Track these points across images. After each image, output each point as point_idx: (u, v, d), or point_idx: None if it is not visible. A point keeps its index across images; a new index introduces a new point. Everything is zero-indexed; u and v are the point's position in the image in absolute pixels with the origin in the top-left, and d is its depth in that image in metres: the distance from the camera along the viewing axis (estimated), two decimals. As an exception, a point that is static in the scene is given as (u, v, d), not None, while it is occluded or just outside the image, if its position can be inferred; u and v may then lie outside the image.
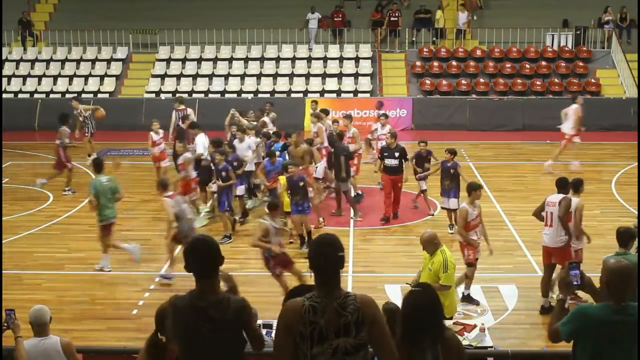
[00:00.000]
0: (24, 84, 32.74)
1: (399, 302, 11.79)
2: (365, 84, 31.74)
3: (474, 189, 13.34)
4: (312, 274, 5.10)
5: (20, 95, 32.13)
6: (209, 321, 5.32)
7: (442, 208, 17.66)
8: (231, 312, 5.37)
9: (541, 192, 19.75)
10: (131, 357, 8.20)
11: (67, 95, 31.74)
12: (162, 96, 31.24)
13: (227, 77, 32.48)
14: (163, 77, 32.61)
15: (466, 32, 33.42)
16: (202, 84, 32.09)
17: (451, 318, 10.98)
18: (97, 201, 14.82)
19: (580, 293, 9.50)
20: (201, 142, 18.65)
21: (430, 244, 10.74)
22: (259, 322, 9.75)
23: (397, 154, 17.80)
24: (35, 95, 31.83)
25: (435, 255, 10.66)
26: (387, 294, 13.44)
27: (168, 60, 33.37)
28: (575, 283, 6.23)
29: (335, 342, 4.95)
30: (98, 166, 15.42)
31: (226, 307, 5.37)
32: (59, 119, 21.06)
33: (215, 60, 33.28)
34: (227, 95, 31.21)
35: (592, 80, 31.07)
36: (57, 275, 15.16)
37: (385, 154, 17.93)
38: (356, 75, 32.21)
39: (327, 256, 5.06)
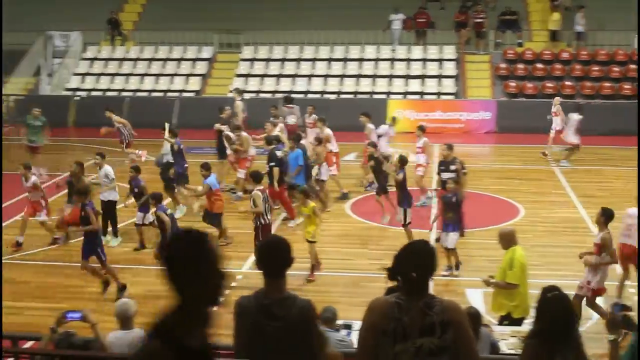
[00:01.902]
0: (112, 82, 33.53)
1: (479, 306, 11.75)
2: (448, 85, 31.51)
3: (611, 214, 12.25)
4: (401, 279, 5.03)
5: (108, 93, 32.93)
6: (273, 319, 5.28)
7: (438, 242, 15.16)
8: (296, 309, 5.32)
9: (629, 199, 19.37)
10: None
11: (153, 94, 32.43)
12: (246, 95, 31.52)
13: (310, 77, 32.64)
14: (247, 76, 32.96)
15: (583, 34, 32.66)
16: (285, 84, 32.31)
17: (523, 319, 10.84)
18: None
19: None
20: None
21: (503, 240, 10.86)
22: (339, 322, 9.75)
23: (452, 167, 16.67)
24: (123, 94, 32.55)
25: (507, 253, 10.68)
26: (468, 298, 13.32)
27: (252, 60, 33.71)
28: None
29: (419, 342, 4.88)
30: None
31: (291, 305, 5.33)
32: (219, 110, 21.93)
33: (298, 60, 33.50)
34: (309, 96, 31.33)
35: (683, 84, 30.23)
36: (141, 270, 15.45)
37: (442, 167, 16.83)
38: (439, 77, 32.01)
39: (422, 266, 5.01)
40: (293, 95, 30.72)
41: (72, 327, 7.74)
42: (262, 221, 14.28)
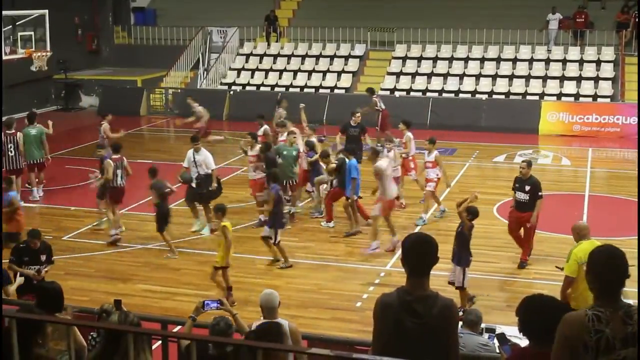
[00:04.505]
0: (266, 77, 34.29)
1: None
2: (606, 88, 30.47)
3: None
4: (596, 287, 4.89)
5: (261, 89, 33.70)
6: (414, 315, 5.25)
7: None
8: (438, 308, 5.26)
9: None
10: (353, 349, 8.36)
11: (306, 90, 32.90)
12: (397, 94, 31.59)
13: (462, 76, 32.30)
14: (398, 74, 32.96)
15: None
16: (436, 83, 32.10)
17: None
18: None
19: None
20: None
21: (574, 233, 11.00)
22: (482, 325, 9.62)
23: (527, 187, 14.86)
24: (276, 89, 33.17)
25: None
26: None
27: (404, 59, 33.68)
28: None
29: (623, 353, 4.71)
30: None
31: (433, 303, 5.27)
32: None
33: (450, 59, 33.19)
34: (460, 95, 31.06)
35: None
36: (287, 263, 15.73)
37: (517, 185, 15.09)
38: (596, 79, 30.99)
39: (618, 270, 4.85)
40: (445, 95, 30.78)
41: (215, 314, 7.97)
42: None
